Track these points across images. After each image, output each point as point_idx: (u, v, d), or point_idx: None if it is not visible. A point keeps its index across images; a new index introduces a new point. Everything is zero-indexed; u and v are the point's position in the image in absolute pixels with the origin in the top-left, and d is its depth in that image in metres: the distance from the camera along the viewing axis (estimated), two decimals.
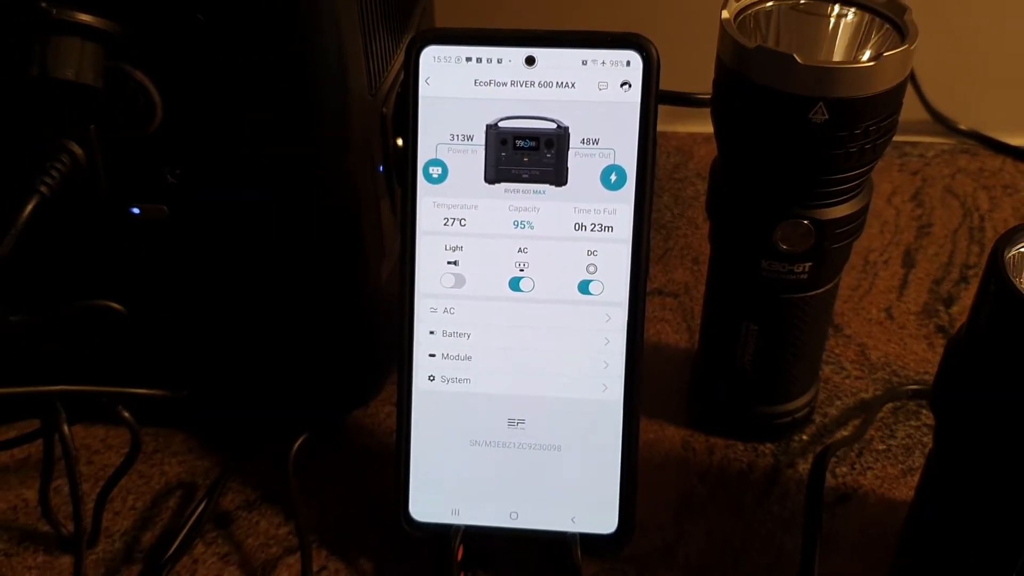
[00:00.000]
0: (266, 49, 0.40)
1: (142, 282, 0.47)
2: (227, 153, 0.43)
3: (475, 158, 0.42)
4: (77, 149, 0.39)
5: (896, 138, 0.76)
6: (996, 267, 0.36)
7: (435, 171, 0.42)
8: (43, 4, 0.36)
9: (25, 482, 0.52)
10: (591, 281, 0.43)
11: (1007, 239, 0.37)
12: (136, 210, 0.44)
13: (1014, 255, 0.38)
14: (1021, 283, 0.38)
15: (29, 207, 0.37)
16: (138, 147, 0.42)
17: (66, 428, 0.42)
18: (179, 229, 0.45)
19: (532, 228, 0.43)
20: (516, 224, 0.43)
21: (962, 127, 0.77)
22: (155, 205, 0.44)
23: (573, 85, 0.41)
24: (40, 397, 0.42)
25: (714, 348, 0.52)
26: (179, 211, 0.45)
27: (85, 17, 0.37)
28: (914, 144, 0.77)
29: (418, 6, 0.54)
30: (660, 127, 0.78)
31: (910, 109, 0.75)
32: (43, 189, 0.38)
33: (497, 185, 0.42)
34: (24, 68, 0.37)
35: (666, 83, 0.45)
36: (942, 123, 0.77)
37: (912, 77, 0.74)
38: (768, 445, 0.53)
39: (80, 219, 0.44)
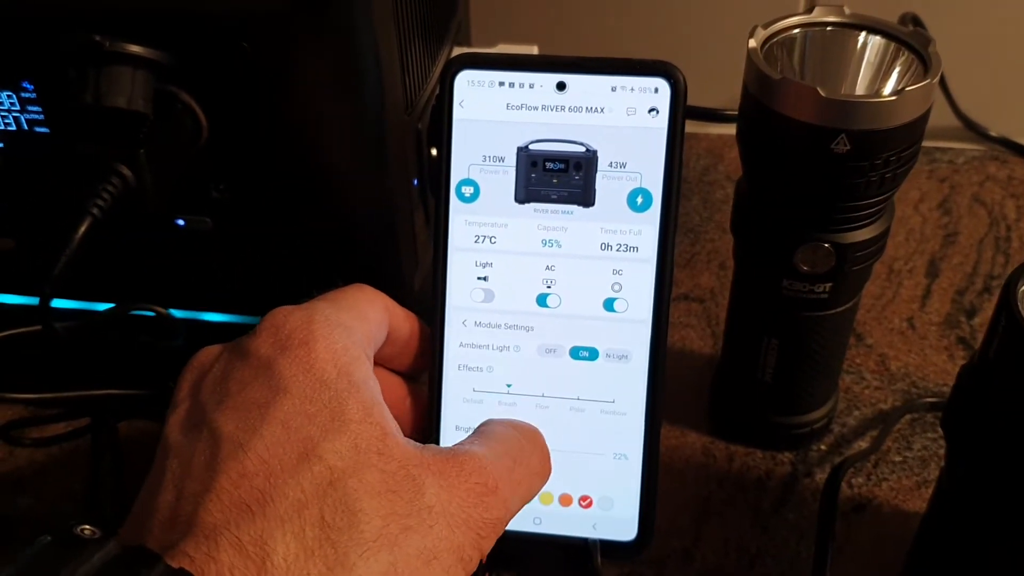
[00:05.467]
0: (306, 73, 0.42)
1: (187, 287, 0.50)
2: (269, 170, 0.45)
3: (506, 178, 0.43)
4: (127, 172, 0.41)
5: (927, 144, 0.77)
6: (1007, 301, 0.37)
7: (467, 190, 0.44)
8: (97, 38, 0.38)
9: (74, 473, 0.54)
10: (616, 299, 0.44)
11: (1021, 272, 0.38)
12: (182, 222, 0.46)
13: None
14: None
15: (83, 228, 0.39)
16: (185, 164, 0.44)
17: (113, 430, 0.44)
18: (222, 240, 0.47)
19: (560, 247, 0.44)
20: (544, 243, 0.44)
21: (992, 133, 0.77)
22: (200, 217, 0.47)
23: (602, 110, 0.42)
24: (89, 400, 0.44)
25: (736, 360, 0.53)
26: (222, 223, 0.47)
27: (135, 48, 0.38)
28: (944, 150, 0.78)
29: (453, 22, 0.56)
30: (691, 129, 0.79)
31: (941, 115, 0.76)
32: (95, 211, 0.40)
33: (527, 205, 0.44)
34: (79, 96, 0.39)
35: (697, 95, 0.46)
36: (973, 129, 0.77)
37: (943, 83, 0.75)
38: (787, 454, 0.55)
39: (128, 230, 0.47)
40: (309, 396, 0.32)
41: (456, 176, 0.44)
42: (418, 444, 0.34)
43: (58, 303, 0.52)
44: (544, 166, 0.43)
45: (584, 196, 0.43)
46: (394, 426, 0.34)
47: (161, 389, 0.45)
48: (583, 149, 0.43)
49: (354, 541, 0.29)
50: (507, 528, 0.46)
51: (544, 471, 0.40)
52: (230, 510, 0.29)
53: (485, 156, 0.43)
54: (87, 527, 0.28)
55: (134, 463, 0.54)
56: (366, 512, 0.30)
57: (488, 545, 0.34)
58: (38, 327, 0.43)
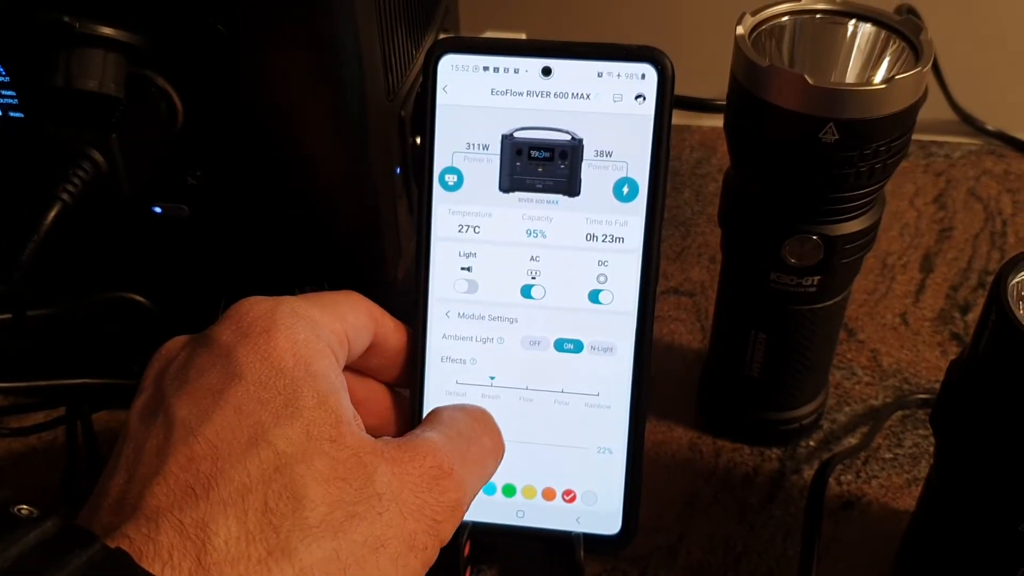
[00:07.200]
0: (285, 58, 0.41)
1: (164, 276, 0.49)
2: (246, 156, 0.44)
3: (490, 167, 0.43)
4: (99, 157, 0.40)
5: (923, 137, 0.76)
6: (998, 296, 0.36)
7: (451, 179, 0.43)
8: (67, 18, 0.37)
9: (54, 464, 0.53)
10: (601, 291, 0.43)
11: (1011, 266, 0.38)
12: (158, 209, 0.46)
13: (1018, 283, 0.38)
14: (1023, 312, 0.38)
15: (52, 214, 0.38)
16: (160, 149, 0.43)
17: (88, 419, 0.43)
18: (199, 227, 0.47)
19: (545, 237, 0.43)
20: (529, 233, 0.43)
21: (989, 128, 0.77)
22: (176, 205, 0.46)
23: (588, 96, 0.42)
24: (64, 389, 0.43)
25: (723, 354, 0.53)
26: (200, 211, 0.46)
27: (107, 30, 0.38)
28: (940, 144, 0.77)
29: (439, 8, 0.55)
30: (683, 121, 0.78)
31: (937, 108, 0.75)
32: (65, 197, 0.39)
33: (511, 194, 0.43)
34: (49, 79, 0.38)
35: (685, 86, 0.45)
36: (969, 123, 0.77)
37: (940, 76, 0.74)
38: (775, 450, 0.54)
39: (103, 217, 0.46)
40: (264, 383, 0.32)
41: (440, 164, 0.43)
42: (374, 438, 0.34)
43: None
44: (529, 155, 0.42)
45: (569, 186, 0.42)
46: (350, 416, 0.34)
47: (129, 374, 0.44)
48: (568, 137, 0.42)
49: (296, 527, 0.29)
50: (489, 521, 0.46)
51: (497, 449, 0.40)
52: (175, 494, 0.29)
53: (469, 144, 0.43)
54: (24, 507, 0.28)
55: (109, 452, 0.53)
56: (311, 499, 0.30)
57: (447, 530, 0.34)
58: (9, 315, 0.42)
